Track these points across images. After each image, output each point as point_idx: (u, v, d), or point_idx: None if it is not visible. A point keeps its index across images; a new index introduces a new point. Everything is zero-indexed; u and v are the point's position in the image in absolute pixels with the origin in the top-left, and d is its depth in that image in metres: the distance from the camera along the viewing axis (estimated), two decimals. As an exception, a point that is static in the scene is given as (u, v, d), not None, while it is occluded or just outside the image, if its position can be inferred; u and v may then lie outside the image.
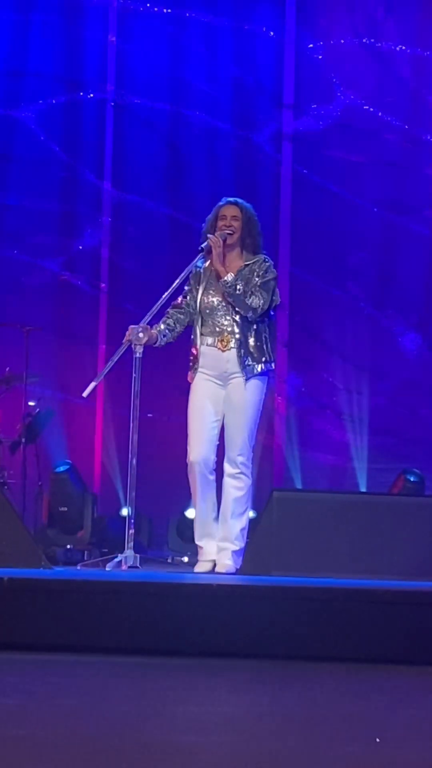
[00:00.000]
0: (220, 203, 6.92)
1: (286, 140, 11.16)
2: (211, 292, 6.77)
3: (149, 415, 9.26)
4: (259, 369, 6.68)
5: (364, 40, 11.16)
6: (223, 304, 6.74)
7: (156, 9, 11.28)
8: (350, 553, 6.45)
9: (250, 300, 6.67)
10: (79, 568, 7.55)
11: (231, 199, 6.95)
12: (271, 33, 11.24)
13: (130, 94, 11.30)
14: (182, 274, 6.79)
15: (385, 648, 4.85)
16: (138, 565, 6.49)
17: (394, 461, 10.39)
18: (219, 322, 6.73)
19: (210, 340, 6.73)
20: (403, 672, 4.69)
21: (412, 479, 9.75)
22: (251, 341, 6.69)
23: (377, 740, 3.26)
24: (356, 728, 3.48)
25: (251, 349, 6.68)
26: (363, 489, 10.37)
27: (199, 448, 6.68)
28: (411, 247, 10.97)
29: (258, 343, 6.70)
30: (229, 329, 6.71)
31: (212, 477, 6.71)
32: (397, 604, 4.97)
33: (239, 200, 6.92)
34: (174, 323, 6.79)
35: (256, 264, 6.79)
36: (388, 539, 6.50)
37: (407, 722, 3.67)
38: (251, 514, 7.10)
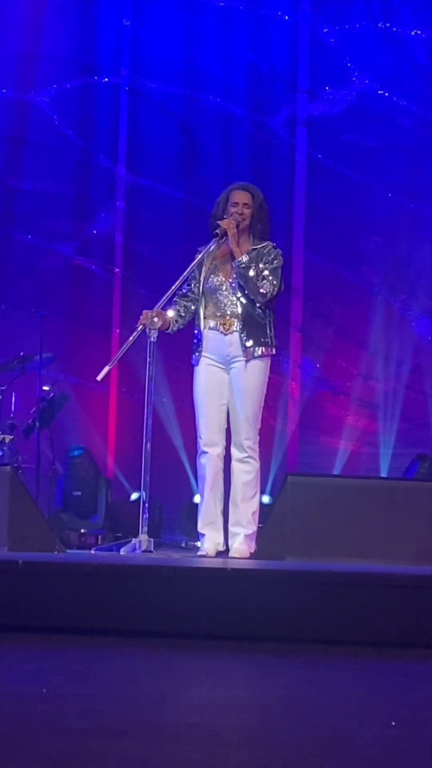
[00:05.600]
0: (232, 187, 6.88)
1: (301, 125, 11.14)
2: (215, 273, 6.76)
3: (164, 399, 9.26)
4: (260, 352, 6.66)
5: (379, 25, 11.13)
6: (227, 285, 6.72)
7: (170, -7, 11.27)
8: (364, 537, 6.45)
9: (261, 284, 6.66)
10: (93, 552, 7.56)
11: (243, 184, 6.92)
12: (286, 17, 11.21)
13: (145, 78, 11.29)
14: (196, 260, 6.77)
15: (400, 632, 4.85)
16: (152, 549, 6.49)
17: (408, 446, 10.39)
18: (222, 303, 6.72)
19: (212, 323, 6.72)
20: (420, 656, 4.69)
21: (426, 464, 9.74)
22: (254, 324, 6.67)
23: (392, 723, 3.27)
24: (371, 711, 3.48)
25: (254, 332, 6.67)
26: (377, 474, 10.37)
27: (209, 436, 6.69)
28: (425, 232, 10.94)
29: (261, 327, 6.69)
30: (231, 311, 6.70)
31: (222, 465, 6.71)
32: (412, 589, 4.97)
33: (251, 186, 6.89)
34: (182, 310, 6.78)
35: (265, 249, 6.77)
36: (402, 524, 6.49)
37: (424, 706, 3.67)
38: (266, 499, 7.08)
